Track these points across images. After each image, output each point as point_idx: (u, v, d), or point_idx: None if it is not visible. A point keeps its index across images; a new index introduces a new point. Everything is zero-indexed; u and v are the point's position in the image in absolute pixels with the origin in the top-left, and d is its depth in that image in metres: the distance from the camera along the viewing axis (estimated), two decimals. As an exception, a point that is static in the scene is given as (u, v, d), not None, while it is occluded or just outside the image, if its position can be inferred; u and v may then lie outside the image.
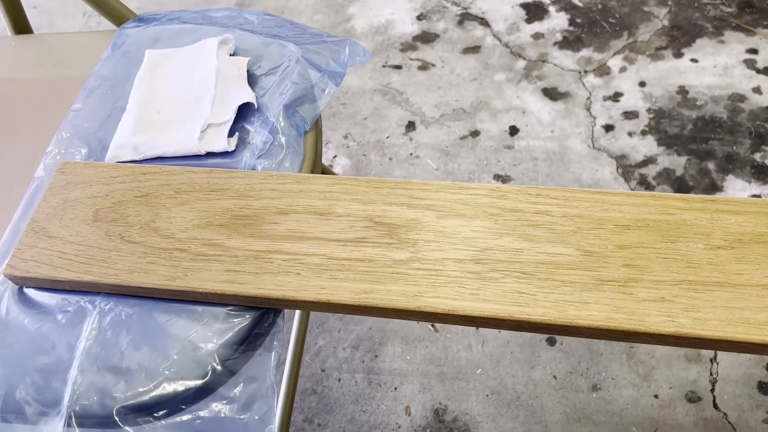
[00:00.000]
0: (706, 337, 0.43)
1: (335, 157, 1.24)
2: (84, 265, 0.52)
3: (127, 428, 0.48)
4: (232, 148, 0.60)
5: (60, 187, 0.58)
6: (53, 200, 0.57)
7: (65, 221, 0.55)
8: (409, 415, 0.94)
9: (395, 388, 0.96)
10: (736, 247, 0.47)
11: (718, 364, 0.93)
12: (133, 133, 0.61)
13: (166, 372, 0.49)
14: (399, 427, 0.93)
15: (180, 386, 0.49)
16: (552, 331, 0.46)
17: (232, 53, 0.66)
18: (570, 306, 0.45)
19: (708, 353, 0.94)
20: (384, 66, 1.36)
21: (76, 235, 0.54)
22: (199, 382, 0.49)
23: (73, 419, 0.48)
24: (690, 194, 0.49)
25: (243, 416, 0.48)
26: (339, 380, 0.98)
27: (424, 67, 1.35)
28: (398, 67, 1.36)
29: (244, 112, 0.62)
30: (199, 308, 0.51)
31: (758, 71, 1.23)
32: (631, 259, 0.47)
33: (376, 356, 1.00)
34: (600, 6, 1.40)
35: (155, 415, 0.48)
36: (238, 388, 0.49)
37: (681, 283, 0.46)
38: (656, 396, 0.91)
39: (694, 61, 1.27)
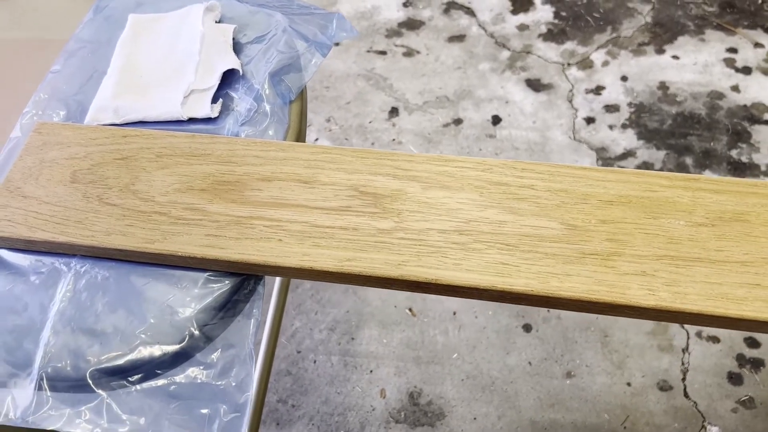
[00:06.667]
0: (685, 311, 0.44)
1: (317, 140, 1.23)
2: (60, 225, 0.51)
3: (100, 392, 0.47)
4: (216, 114, 0.59)
5: (36, 148, 0.56)
6: (29, 160, 0.55)
7: (41, 181, 0.54)
8: (384, 397, 0.94)
9: (371, 371, 0.96)
10: (716, 225, 0.47)
11: (689, 354, 0.94)
12: (113, 96, 0.60)
13: (142, 336, 0.48)
14: (373, 410, 0.93)
15: (156, 350, 0.48)
16: (533, 302, 0.46)
17: (217, 20, 0.65)
18: (552, 278, 0.46)
19: (680, 343, 0.96)
20: (369, 51, 1.36)
21: (53, 195, 0.53)
22: (176, 346, 0.48)
23: (45, 381, 0.47)
24: (673, 173, 0.50)
25: (220, 382, 0.48)
26: (314, 362, 0.98)
27: (409, 53, 1.35)
28: (383, 52, 1.35)
29: (229, 78, 0.61)
30: (178, 273, 0.50)
31: (737, 70, 1.25)
32: (613, 234, 0.47)
33: (353, 339, 0.99)
34: (585, 0, 1.41)
35: (130, 379, 0.48)
36: (215, 354, 0.49)
37: (662, 258, 0.46)
38: (629, 384, 0.92)
39: (675, 57, 1.28)
